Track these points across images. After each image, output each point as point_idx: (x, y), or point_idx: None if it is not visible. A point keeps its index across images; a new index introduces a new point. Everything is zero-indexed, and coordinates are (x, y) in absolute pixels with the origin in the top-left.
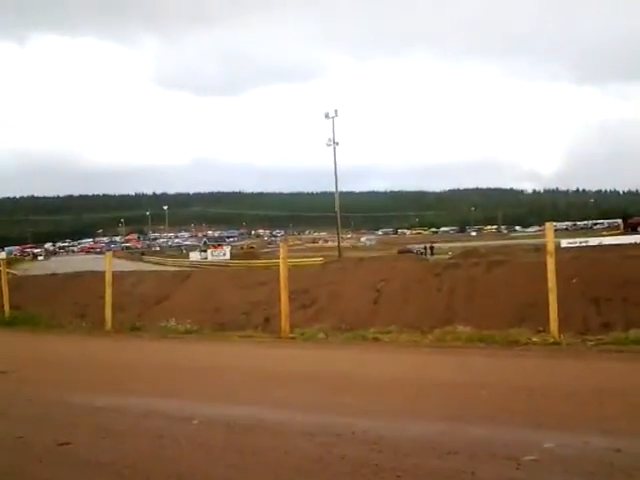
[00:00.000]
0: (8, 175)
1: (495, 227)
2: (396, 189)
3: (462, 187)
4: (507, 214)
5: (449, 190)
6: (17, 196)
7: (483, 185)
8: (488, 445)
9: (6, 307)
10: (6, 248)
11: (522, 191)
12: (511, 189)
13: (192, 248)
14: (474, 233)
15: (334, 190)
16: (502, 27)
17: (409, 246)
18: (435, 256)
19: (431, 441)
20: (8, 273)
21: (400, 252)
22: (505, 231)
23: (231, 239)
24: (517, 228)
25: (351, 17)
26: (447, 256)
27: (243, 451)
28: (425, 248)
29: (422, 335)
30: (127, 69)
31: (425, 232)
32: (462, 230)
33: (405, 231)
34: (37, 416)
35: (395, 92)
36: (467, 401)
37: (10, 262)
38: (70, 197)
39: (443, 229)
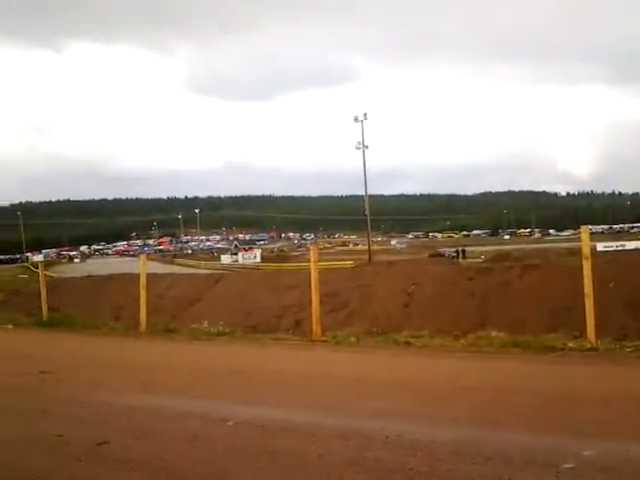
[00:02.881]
0: (45, 179)
1: (528, 230)
2: (426, 192)
3: (494, 190)
4: (540, 217)
5: (480, 193)
6: (53, 200)
7: (515, 188)
8: (525, 451)
9: (44, 309)
10: (43, 251)
11: (556, 194)
12: (544, 192)
13: (223, 251)
14: (507, 236)
15: (364, 193)
16: (533, 29)
17: (440, 249)
18: (467, 260)
19: (466, 446)
20: (45, 275)
21: (431, 256)
22: (539, 234)
23: (261, 242)
24: (551, 231)
25: (381, 21)
26: (479, 260)
27: (277, 453)
28: (457, 252)
29: (455, 340)
30: (160, 75)
31: (456, 235)
32: (494, 233)
33: (436, 234)
34: (76, 415)
35: (425, 95)
36: (502, 407)
37: (47, 265)
38: (105, 201)
39: (475, 232)
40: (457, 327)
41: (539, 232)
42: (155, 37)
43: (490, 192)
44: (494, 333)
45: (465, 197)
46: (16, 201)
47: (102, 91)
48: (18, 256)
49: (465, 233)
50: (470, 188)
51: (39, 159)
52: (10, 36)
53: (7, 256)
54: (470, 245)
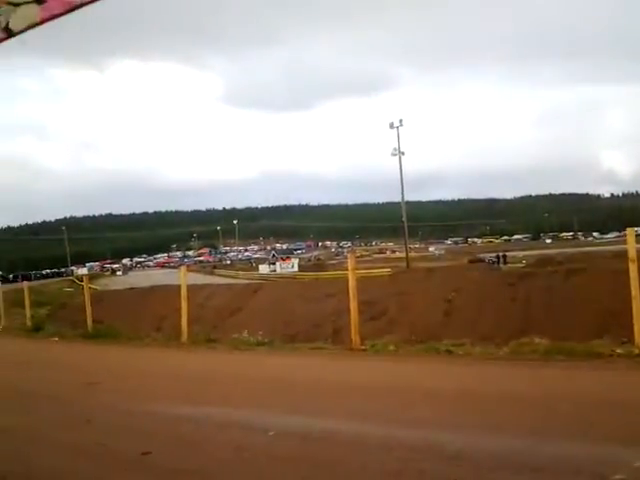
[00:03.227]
0: (88, 194)
1: (571, 234)
2: (465, 197)
3: (534, 193)
4: (583, 220)
5: (520, 197)
6: (96, 214)
7: (556, 191)
8: (572, 462)
9: (89, 321)
10: (87, 264)
11: (599, 195)
12: (587, 194)
13: (261, 261)
14: (549, 240)
15: (400, 200)
16: (574, 29)
17: (480, 255)
18: (508, 265)
19: (512, 456)
20: (90, 288)
21: (471, 261)
22: (582, 238)
23: (298, 251)
24: (595, 234)
25: (415, 29)
26: (521, 265)
27: (319, 463)
28: (497, 257)
29: (497, 347)
30: (197, 89)
31: (496, 240)
32: (536, 238)
33: (475, 240)
34: (121, 425)
35: (462, 99)
36: (547, 415)
37: (91, 278)
38: (145, 214)
39: (516, 237)
40: (499, 334)
41: (582, 235)
42: (193, 53)
43: (530, 195)
44: (537, 340)
45: (504, 201)
46: (61, 216)
47: (142, 107)
48: (63, 270)
49: (506, 238)
50: (509, 192)
51: (83, 174)
52: (58, 57)
53: (53, 270)
54: (511, 250)
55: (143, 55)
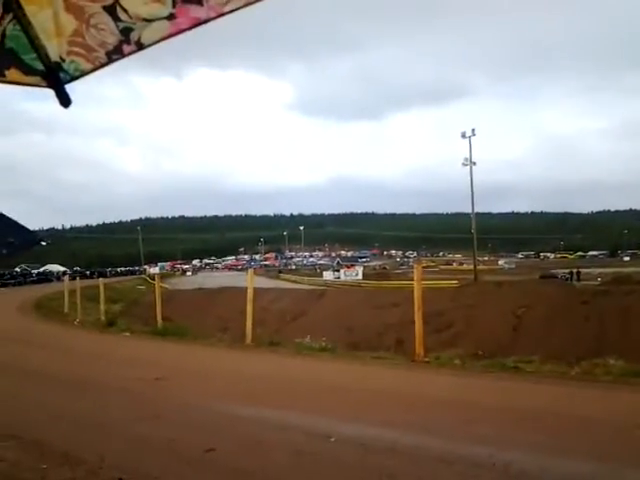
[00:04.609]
0: (163, 196)
1: None
2: (538, 210)
3: (613, 208)
4: None
5: (597, 212)
6: (169, 216)
7: (638, 206)
8: None
9: (158, 318)
10: (159, 264)
11: None
12: None
13: (326, 267)
14: (627, 258)
15: (470, 211)
16: None
17: (553, 271)
18: (582, 282)
19: None
20: (161, 287)
21: (543, 277)
22: None
23: (363, 259)
24: None
25: (491, 36)
26: (596, 282)
27: (379, 473)
28: (571, 273)
29: (568, 367)
30: (269, 97)
31: (571, 256)
32: (613, 255)
33: (548, 255)
34: (186, 421)
35: (538, 108)
36: (621, 441)
37: (162, 277)
38: (216, 217)
39: (591, 253)
40: (570, 353)
41: None
42: (268, 61)
43: (609, 210)
44: (612, 361)
45: (580, 215)
46: (136, 217)
47: (217, 113)
48: (136, 268)
49: (580, 254)
50: (586, 206)
51: (158, 178)
52: (139, 64)
53: (127, 268)
54: (586, 267)
55: (219, 63)
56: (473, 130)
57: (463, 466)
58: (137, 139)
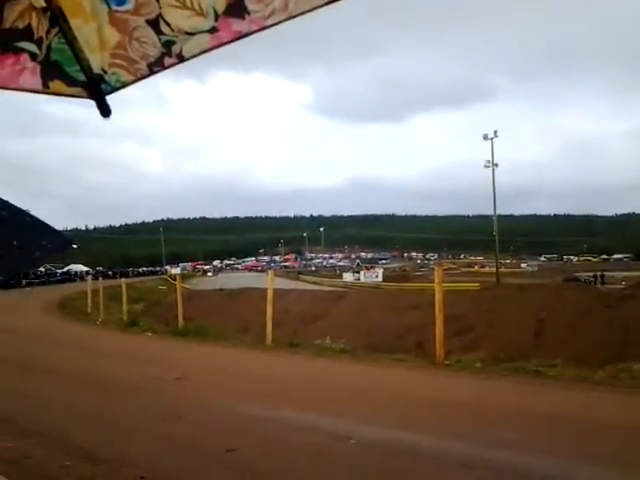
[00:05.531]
0: (184, 198)
1: None
2: (561, 212)
3: (638, 211)
4: None
5: (622, 214)
6: (191, 217)
7: None
8: None
9: (180, 318)
10: (180, 264)
11: None
12: None
13: (345, 269)
14: None
15: (492, 213)
16: None
17: (576, 274)
18: (606, 286)
19: None
20: (182, 287)
21: (566, 280)
22: None
23: (383, 261)
24: None
25: (512, 37)
26: (620, 286)
27: (399, 476)
28: (595, 276)
29: (591, 371)
30: (290, 99)
31: (594, 259)
32: (638, 258)
33: (571, 258)
34: (207, 421)
35: (559, 110)
36: None
37: (183, 277)
38: (236, 218)
39: (616, 256)
40: (594, 358)
41: None
42: (289, 64)
43: (635, 213)
44: (636, 366)
45: (605, 218)
46: (158, 217)
47: (237, 115)
48: (158, 268)
49: (605, 257)
50: (611, 208)
51: (180, 179)
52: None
53: (149, 268)
54: (610, 270)
55: (241, 67)
56: (495, 132)
57: (484, 470)
58: (160, 141)
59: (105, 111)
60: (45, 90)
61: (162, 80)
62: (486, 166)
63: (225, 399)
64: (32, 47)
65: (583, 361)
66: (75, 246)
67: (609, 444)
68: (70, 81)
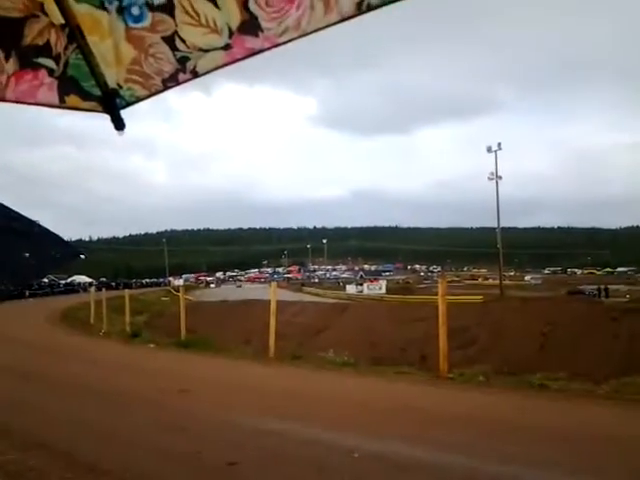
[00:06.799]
0: (188, 209)
1: None
2: (565, 225)
3: None
4: None
5: (627, 227)
6: (194, 228)
7: None
8: None
9: (183, 330)
10: (183, 275)
11: None
12: None
13: (349, 281)
14: None
15: (495, 225)
16: None
17: (580, 287)
18: (610, 299)
19: None
20: (185, 299)
21: (570, 293)
22: None
23: (386, 273)
24: None
25: (513, 51)
26: (625, 299)
27: None
28: (599, 290)
29: (595, 385)
30: (296, 111)
31: (598, 272)
32: None
33: (575, 270)
34: (209, 434)
35: (563, 123)
36: None
37: (186, 289)
38: (240, 230)
39: (620, 269)
40: (598, 371)
41: None
42: (295, 77)
43: (637, 226)
44: None
45: (609, 231)
46: (162, 229)
47: (242, 127)
48: (161, 280)
49: (609, 270)
50: (615, 221)
51: (184, 191)
52: None
53: (152, 279)
54: (614, 283)
55: (247, 79)
56: (499, 144)
57: None
58: (165, 152)
59: (119, 125)
60: (61, 105)
61: (169, 91)
62: (490, 178)
63: (227, 411)
64: (50, 63)
65: (588, 374)
66: (83, 256)
67: (615, 458)
68: (85, 95)
